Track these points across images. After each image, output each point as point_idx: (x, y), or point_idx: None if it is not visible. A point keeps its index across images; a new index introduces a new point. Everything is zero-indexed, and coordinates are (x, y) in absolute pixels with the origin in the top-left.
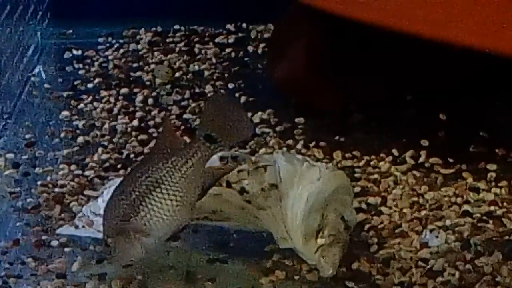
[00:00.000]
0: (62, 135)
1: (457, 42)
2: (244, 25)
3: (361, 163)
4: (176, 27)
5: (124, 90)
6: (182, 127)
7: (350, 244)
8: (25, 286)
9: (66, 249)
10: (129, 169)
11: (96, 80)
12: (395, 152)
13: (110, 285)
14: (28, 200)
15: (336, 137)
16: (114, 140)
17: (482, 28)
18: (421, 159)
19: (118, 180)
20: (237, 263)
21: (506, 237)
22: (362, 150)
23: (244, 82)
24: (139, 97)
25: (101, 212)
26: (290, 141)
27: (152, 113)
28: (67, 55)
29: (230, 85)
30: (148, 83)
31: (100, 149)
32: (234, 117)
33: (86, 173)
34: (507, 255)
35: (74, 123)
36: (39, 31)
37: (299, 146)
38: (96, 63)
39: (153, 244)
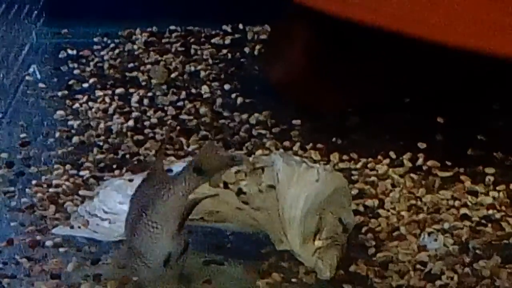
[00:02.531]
0: (57, 135)
1: (456, 44)
2: (241, 26)
3: (358, 165)
4: (172, 27)
5: (119, 90)
6: (178, 128)
7: (347, 247)
8: (19, 287)
9: (61, 250)
10: (124, 169)
11: (91, 80)
12: (392, 154)
13: (105, 286)
14: (22, 200)
15: (333, 139)
16: (109, 140)
17: (481, 30)
18: (419, 162)
19: (113, 180)
20: (233, 265)
21: (505, 241)
22: (360, 152)
23: (241, 83)
24: (135, 97)
25: (97, 212)
26: (287, 143)
27: (148, 114)
28: (62, 54)
29: (226, 86)
30: (143, 83)
31: (95, 149)
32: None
33: (81, 173)
34: (506, 258)
35: (69, 123)
36: (34, 30)
37: (295, 148)
38: (91, 63)
39: (150, 266)
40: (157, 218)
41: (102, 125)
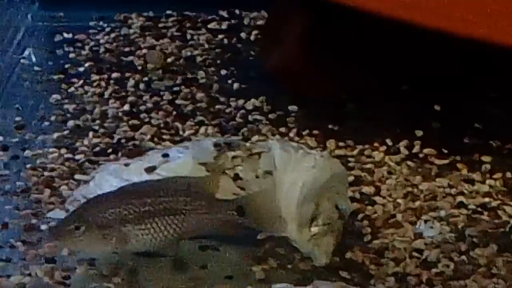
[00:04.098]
0: (52, 118)
1: (458, 32)
2: (237, 11)
3: (354, 152)
4: (169, 12)
5: (115, 75)
6: (174, 113)
7: (343, 234)
8: (13, 271)
9: None
10: (119, 154)
11: (87, 64)
12: (389, 142)
13: (100, 270)
14: (17, 183)
15: (330, 126)
16: (105, 124)
17: (483, 19)
18: (415, 150)
19: (109, 165)
20: (229, 251)
21: (501, 229)
22: (356, 139)
23: (237, 68)
24: (131, 82)
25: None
26: (283, 129)
27: (144, 98)
28: (57, 38)
29: (223, 72)
30: (139, 68)
31: (90, 133)
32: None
33: (77, 157)
34: (502, 247)
35: (65, 106)
36: (30, 14)
37: (292, 134)
38: (87, 47)
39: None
40: (174, 228)
41: (97, 109)
